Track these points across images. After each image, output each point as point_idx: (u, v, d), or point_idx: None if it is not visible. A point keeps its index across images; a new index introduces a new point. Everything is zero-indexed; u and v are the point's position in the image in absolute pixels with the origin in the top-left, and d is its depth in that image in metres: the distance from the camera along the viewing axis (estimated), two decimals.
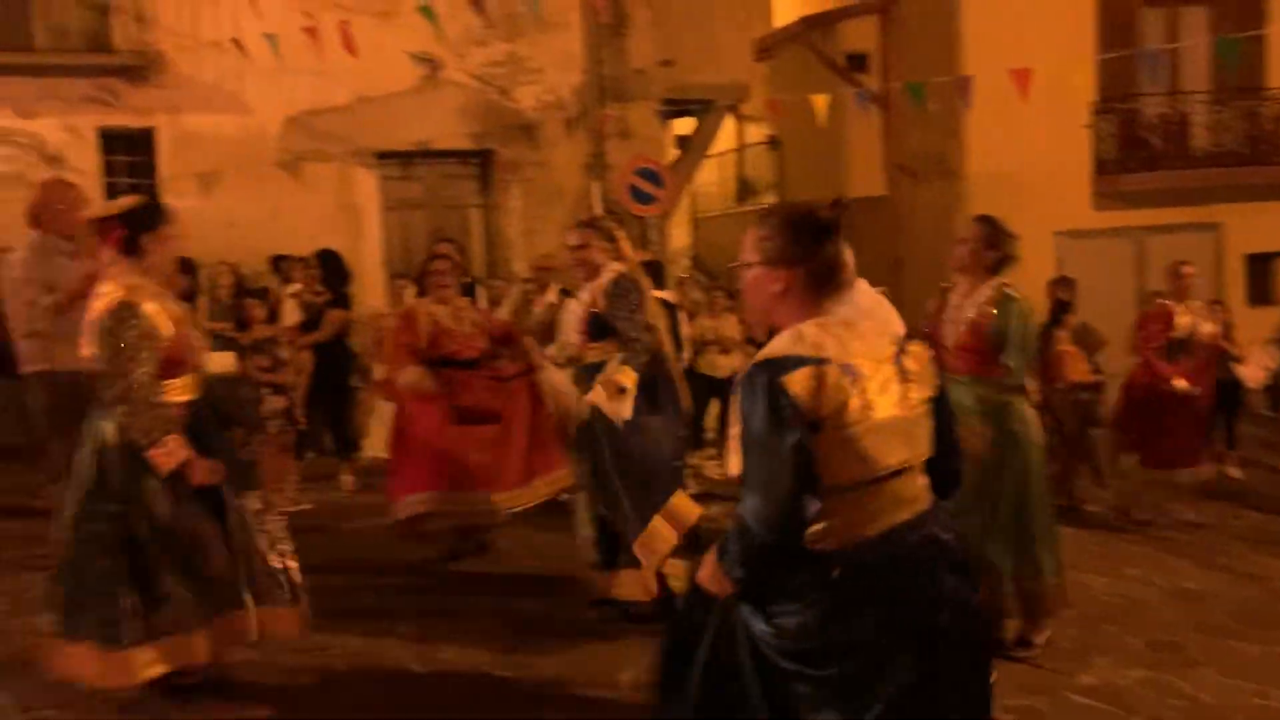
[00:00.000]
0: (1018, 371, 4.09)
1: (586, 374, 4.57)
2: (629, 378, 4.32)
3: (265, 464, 6.54)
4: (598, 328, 4.49)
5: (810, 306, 2.20)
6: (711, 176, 16.76)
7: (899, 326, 3.42)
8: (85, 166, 9.27)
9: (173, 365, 3.53)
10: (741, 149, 17.19)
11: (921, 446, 2.22)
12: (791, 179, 15.18)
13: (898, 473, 2.16)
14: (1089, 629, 4.52)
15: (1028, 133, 10.89)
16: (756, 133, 16.55)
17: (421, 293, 5.67)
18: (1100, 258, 11.75)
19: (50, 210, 4.92)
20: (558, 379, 4.96)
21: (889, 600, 2.11)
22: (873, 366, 2.13)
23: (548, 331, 6.66)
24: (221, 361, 7.66)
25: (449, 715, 3.77)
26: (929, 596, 2.14)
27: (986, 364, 4.10)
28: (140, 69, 9.28)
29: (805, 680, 2.12)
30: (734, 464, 2.19)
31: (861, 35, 12.97)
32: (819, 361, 2.07)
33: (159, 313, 3.47)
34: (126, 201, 3.64)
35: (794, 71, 13.59)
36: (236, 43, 8.63)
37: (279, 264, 8.76)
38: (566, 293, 8.72)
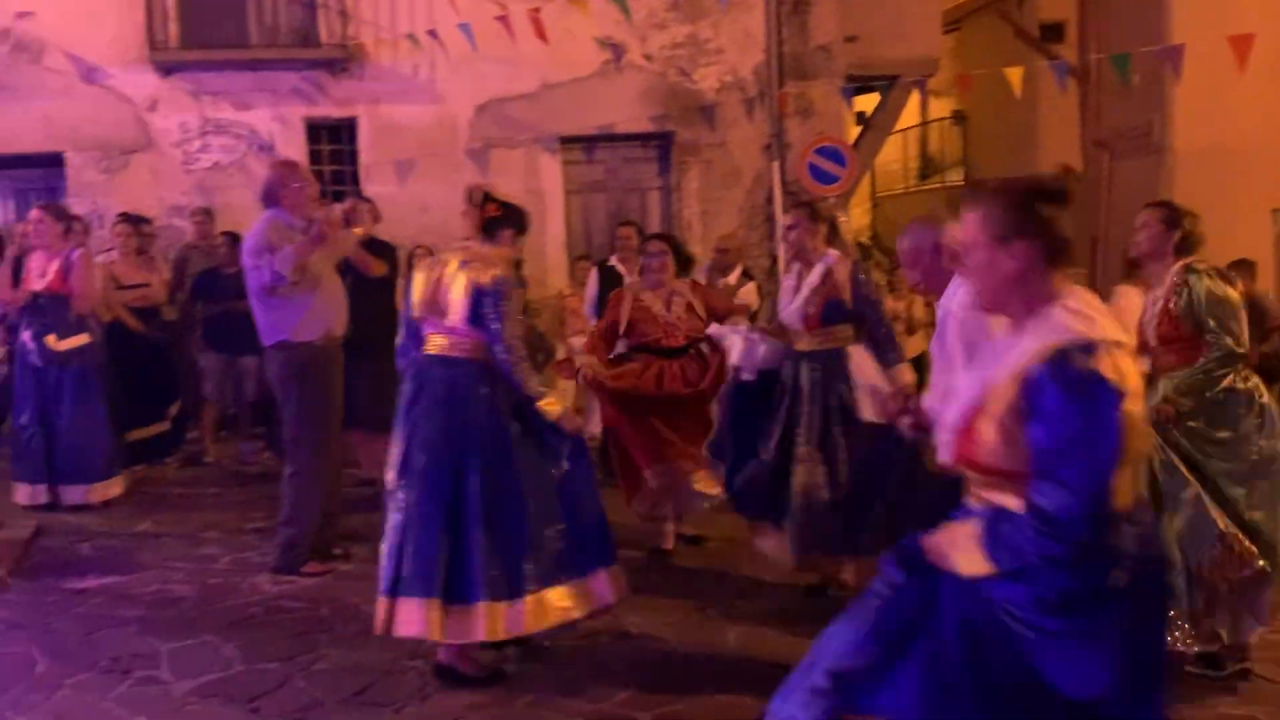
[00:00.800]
0: (1222, 342, 3.78)
1: (806, 360, 4.60)
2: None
3: None
4: (834, 313, 4.54)
5: (1049, 284, 2.08)
6: (893, 154, 16.34)
7: None
8: (293, 154, 9.84)
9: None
10: (925, 125, 16.69)
11: None
12: (978, 155, 14.65)
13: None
14: None
15: (1242, 104, 10.13)
16: (941, 108, 16.03)
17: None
18: None
19: (282, 189, 5.21)
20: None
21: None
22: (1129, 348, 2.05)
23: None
24: None
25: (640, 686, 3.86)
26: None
27: (1193, 351, 3.86)
28: (343, 62, 9.78)
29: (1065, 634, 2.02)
30: (984, 450, 2.11)
31: (1057, 4, 12.35)
32: (1117, 343, 1.98)
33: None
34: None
35: (983, 43, 13.08)
36: (433, 34, 8.99)
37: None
38: (748, 275, 8.74)
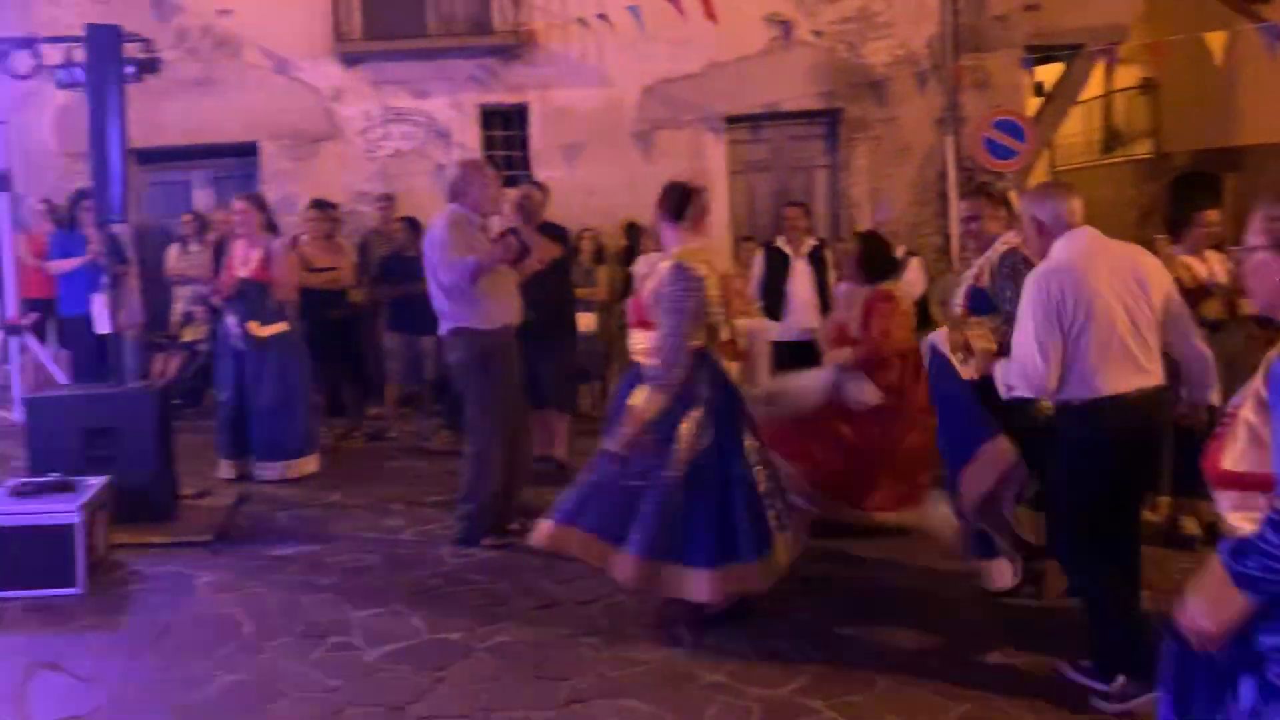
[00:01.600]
0: None
1: None
2: (986, 342, 4.11)
3: None
4: (979, 301, 4.34)
5: None
6: (1074, 126, 15.51)
7: None
8: (467, 141, 10.17)
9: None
10: (1109, 95, 15.78)
11: None
12: (1169, 126, 13.77)
13: None
14: None
15: None
16: (1126, 76, 15.11)
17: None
18: None
19: (467, 186, 5.37)
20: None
21: None
22: None
23: None
24: (585, 322, 8.23)
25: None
26: None
27: None
28: (515, 48, 10.00)
29: None
30: (1231, 458, 2.00)
31: None
32: None
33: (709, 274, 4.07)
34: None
35: (1174, 8, 12.23)
36: (602, 17, 9.08)
37: (630, 230, 9.16)
38: (911, 253, 8.51)
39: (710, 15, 8.43)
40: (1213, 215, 5.47)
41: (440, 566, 5.10)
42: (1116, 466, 3.43)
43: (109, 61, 5.58)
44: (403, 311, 8.21)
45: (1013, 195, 4.40)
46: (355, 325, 8.20)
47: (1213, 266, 5.29)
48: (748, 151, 10.65)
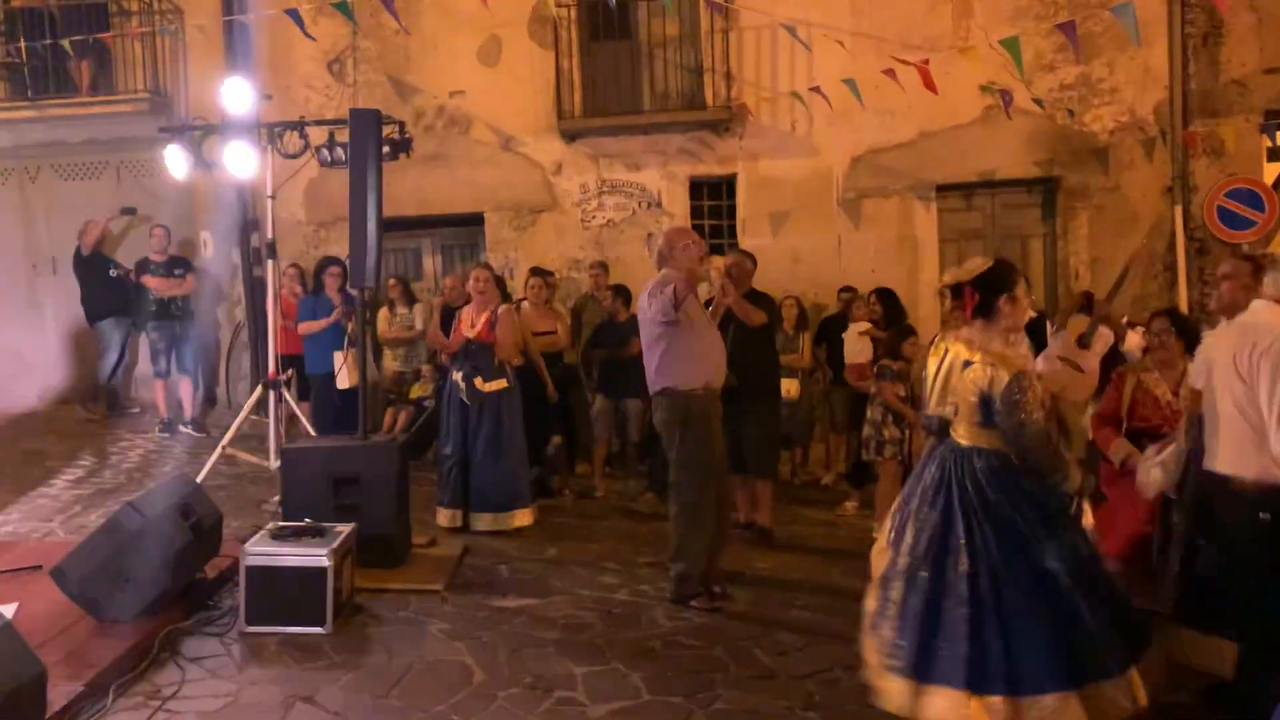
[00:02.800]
0: None
1: None
2: None
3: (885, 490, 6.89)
4: None
5: None
6: None
7: None
8: (676, 210, 10.47)
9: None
10: None
11: None
12: None
13: None
14: None
15: None
16: None
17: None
18: None
19: (674, 250, 5.60)
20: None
21: None
22: None
23: None
24: (788, 388, 8.26)
25: None
26: None
27: None
28: (726, 122, 10.26)
29: None
30: None
31: None
32: None
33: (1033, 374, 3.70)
34: (978, 264, 3.83)
35: None
36: (817, 89, 9.22)
37: (851, 299, 9.14)
38: (1131, 324, 8.09)
39: (929, 85, 8.42)
40: None
41: (655, 628, 5.20)
42: None
43: (369, 142, 6.11)
44: (611, 375, 8.52)
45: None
46: (569, 386, 8.52)
47: None
48: (960, 219, 10.48)
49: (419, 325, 9.47)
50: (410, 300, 9.70)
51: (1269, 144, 10.55)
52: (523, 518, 7.14)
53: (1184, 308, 9.60)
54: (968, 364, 3.72)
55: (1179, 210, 9.75)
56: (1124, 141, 9.89)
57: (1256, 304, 3.97)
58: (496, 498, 7.03)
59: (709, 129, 10.36)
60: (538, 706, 4.25)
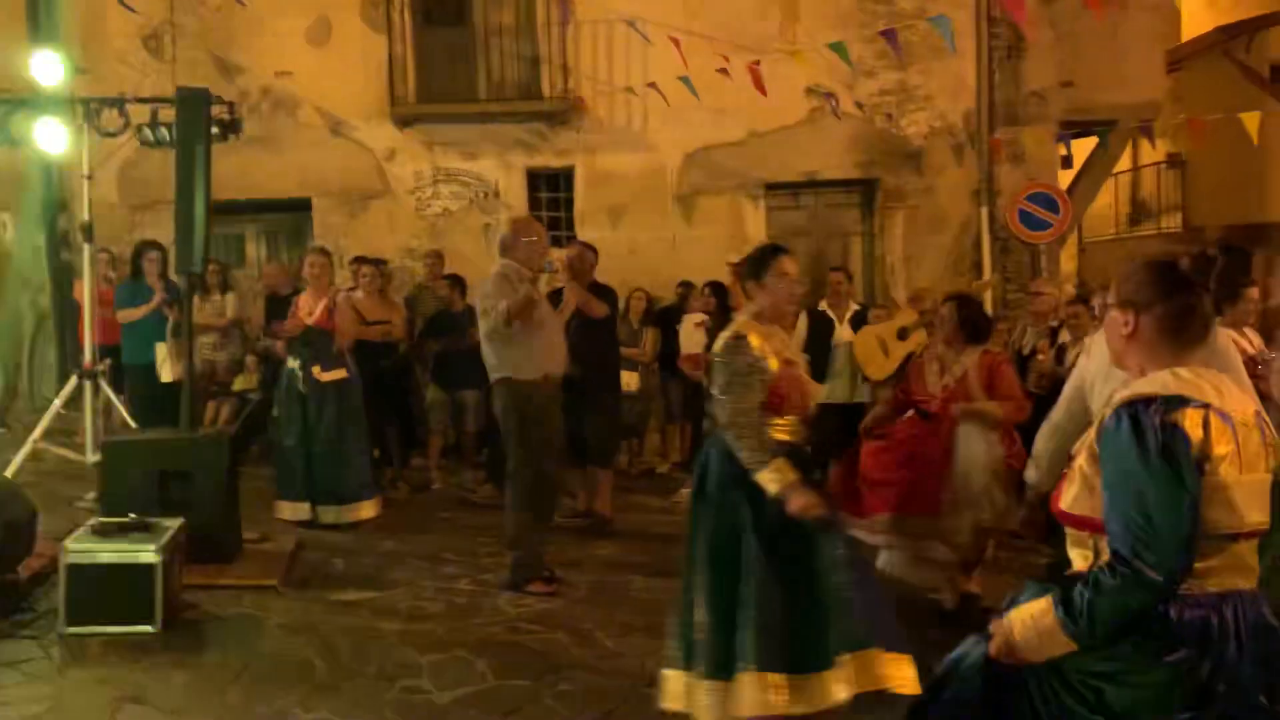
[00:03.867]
0: None
1: None
2: None
3: None
4: None
5: (1159, 353, 2.19)
6: (1101, 199, 15.77)
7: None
8: (514, 201, 10.47)
9: (778, 401, 3.64)
10: (1136, 169, 16.05)
11: (1269, 516, 2.13)
12: (1197, 201, 13.99)
13: (1249, 535, 2.11)
14: None
15: None
16: (1152, 152, 15.39)
17: None
18: None
19: (516, 242, 5.63)
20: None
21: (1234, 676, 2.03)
22: (1242, 420, 2.10)
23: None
24: (629, 380, 8.41)
25: None
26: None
27: None
28: (563, 114, 10.33)
29: None
30: (1067, 499, 2.22)
31: None
32: (1204, 405, 2.06)
33: (764, 347, 3.64)
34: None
35: (1206, 86, 12.54)
36: (653, 86, 9.40)
37: (686, 292, 9.36)
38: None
39: (759, 86, 8.74)
40: (1254, 292, 5.61)
41: (499, 615, 5.23)
42: None
43: (197, 122, 5.86)
44: (446, 366, 8.45)
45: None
46: (403, 378, 8.40)
47: (1254, 340, 5.44)
48: (787, 218, 10.90)
49: (230, 314, 9.16)
50: (225, 287, 9.32)
51: (1064, 152, 11.48)
52: (369, 509, 7.02)
53: (989, 305, 10.31)
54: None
55: (985, 212, 10.46)
56: (936, 146, 10.53)
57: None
58: (341, 490, 6.89)
59: (546, 121, 10.41)
60: (384, 695, 4.22)
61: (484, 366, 5.77)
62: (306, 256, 7.30)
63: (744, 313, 3.84)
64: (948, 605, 5.15)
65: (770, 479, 3.48)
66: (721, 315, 8.65)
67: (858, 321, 7.94)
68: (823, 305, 8.10)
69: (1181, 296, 2.19)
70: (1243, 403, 2.16)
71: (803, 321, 8.05)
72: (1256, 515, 2.10)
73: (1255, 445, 2.11)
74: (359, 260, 8.56)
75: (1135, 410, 2.07)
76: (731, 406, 3.58)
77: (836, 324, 7.93)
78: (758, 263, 3.82)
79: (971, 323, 5.24)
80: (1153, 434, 2.03)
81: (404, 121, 10.36)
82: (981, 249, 10.50)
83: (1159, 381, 2.12)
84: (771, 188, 10.67)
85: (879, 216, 10.75)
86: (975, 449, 4.98)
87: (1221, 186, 13.01)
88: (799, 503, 3.46)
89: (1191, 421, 2.05)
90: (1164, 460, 2.01)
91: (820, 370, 7.74)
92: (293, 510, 6.85)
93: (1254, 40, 11.95)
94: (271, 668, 4.47)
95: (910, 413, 5.33)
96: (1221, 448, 2.05)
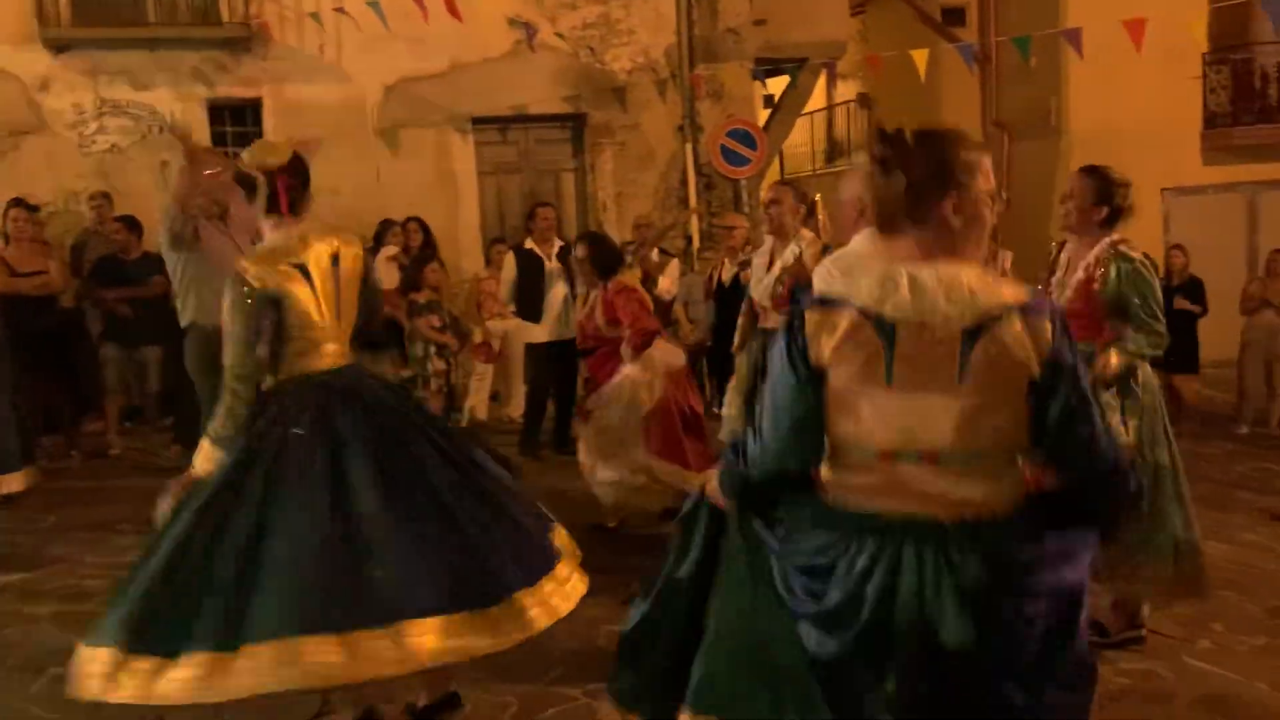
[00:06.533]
0: (1138, 337, 3.66)
1: (772, 338, 4.66)
2: None
3: None
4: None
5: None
6: (800, 137, 16.55)
7: None
8: (195, 135, 9.56)
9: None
10: (831, 108, 16.94)
11: (965, 435, 1.86)
12: None
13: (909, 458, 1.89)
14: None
15: (1134, 86, 10.55)
16: (846, 91, 16.29)
17: None
18: (1209, 214, 11.37)
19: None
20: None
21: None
22: (911, 322, 1.84)
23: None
24: None
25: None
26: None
27: (1097, 329, 3.72)
28: (246, 41, 9.52)
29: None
30: None
31: None
32: (837, 304, 1.89)
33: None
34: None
35: (888, 27, 13.35)
36: (341, 11, 8.81)
37: (377, 233, 8.96)
38: (667, 253, 8.80)
39: (454, 13, 8.38)
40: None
41: None
42: None
43: None
44: (123, 319, 7.64)
45: (818, 199, 4.60)
46: (68, 335, 7.52)
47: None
48: (496, 154, 10.65)
49: None
50: None
51: (764, 90, 11.87)
52: (17, 482, 6.17)
53: (695, 238, 10.58)
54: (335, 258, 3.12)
55: (690, 148, 10.65)
56: (641, 81, 10.58)
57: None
58: None
59: (227, 48, 9.56)
60: (29, 688, 3.74)
61: (167, 320, 5.26)
62: None
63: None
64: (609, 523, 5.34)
65: None
66: (423, 252, 8.38)
67: (564, 257, 7.87)
68: (529, 244, 7.96)
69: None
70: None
71: (510, 260, 7.91)
72: (900, 437, 1.89)
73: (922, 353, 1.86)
74: (12, 204, 7.54)
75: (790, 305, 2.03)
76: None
77: (545, 261, 7.81)
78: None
79: (600, 258, 5.35)
80: (783, 331, 1.97)
81: (58, 46, 9.20)
82: (688, 185, 10.70)
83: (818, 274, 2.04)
84: (479, 122, 10.37)
85: (589, 153, 10.71)
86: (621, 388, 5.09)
87: (903, 122, 13.92)
88: None
89: (812, 323, 1.91)
90: (784, 359, 1.95)
91: (532, 309, 7.64)
92: None
93: None
94: None
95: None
96: (860, 353, 1.86)
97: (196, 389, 5.26)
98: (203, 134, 9.60)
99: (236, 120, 9.89)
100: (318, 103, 9.82)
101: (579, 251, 5.45)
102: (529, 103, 10.36)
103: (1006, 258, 6.46)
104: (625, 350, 5.10)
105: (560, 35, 9.98)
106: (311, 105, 9.81)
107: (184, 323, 5.24)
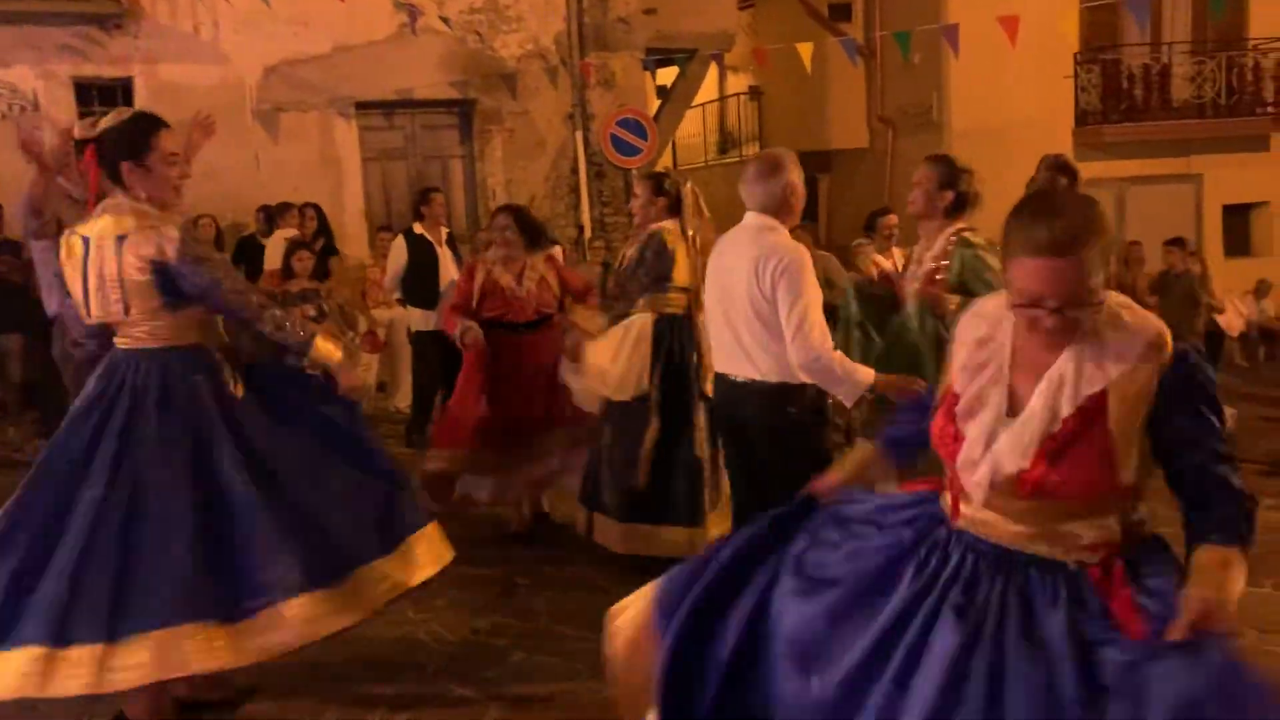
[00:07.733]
0: None
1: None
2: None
3: None
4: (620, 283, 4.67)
5: None
6: (693, 128, 16.67)
7: None
8: (60, 115, 9.12)
9: None
10: (723, 100, 17.09)
11: None
12: (773, 130, 15.14)
13: None
14: None
15: (1011, 84, 10.91)
16: (738, 83, 16.45)
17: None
18: None
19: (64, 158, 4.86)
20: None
21: None
22: None
23: None
24: None
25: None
26: None
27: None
28: (116, 17, 9.10)
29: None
30: None
31: None
32: None
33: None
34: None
35: (778, 20, 13.51)
36: None
37: (268, 214, 8.69)
38: (553, 241, 8.73)
39: None
40: (893, 219, 6.59)
41: None
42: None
43: None
44: None
45: (688, 188, 4.55)
46: None
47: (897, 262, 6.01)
48: (382, 139, 10.43)
49: None
50: None
51: (656, 82, 11.91)
52: None
53: (587, 226, 10.54)
54: (121, 239, 2.95)
55: (580, 136, 10.60)
56: (530, 68, 10.48)
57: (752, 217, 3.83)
58: None
59: (96, 24, 9.12)
60: None
61: (28, 307, 5.00)
62: None
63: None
64: (514, 528, 5.19)
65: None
66: (320, 238, 8.16)
67: (452, 244, 7.74)
68: (420, 229, 7.79)
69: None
70: None
71: (400, 245, 7.70)
72: None
73: None
74: None
75: None
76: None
77: (436, 246, 7.66)
78: (132, 138, 3.05)
79: (527, 229, 5.12)
80: None
81: None
82: (579, 174, 10.65)
83: None
84: (363, 106, 10.13)
85: (477, 140, 10.57)
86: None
87: (793, 116, 14.14)
88: None
89: None
90: None
91: (426, 295, 7.45)
92: None
93: None
94: None
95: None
96: None
97: (64, 379, 5.05)
98: (69, 113, 9.17)
99: (106, 100, 9.43)
100: (193, 83, 9.45)
101: (501, 221, 5.08)
102: (415, 87, 10.16)
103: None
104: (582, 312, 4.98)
105: (446, 20, 9.81)
106: (186, 86, 9.43)
107: (50, 311, 5.02)
